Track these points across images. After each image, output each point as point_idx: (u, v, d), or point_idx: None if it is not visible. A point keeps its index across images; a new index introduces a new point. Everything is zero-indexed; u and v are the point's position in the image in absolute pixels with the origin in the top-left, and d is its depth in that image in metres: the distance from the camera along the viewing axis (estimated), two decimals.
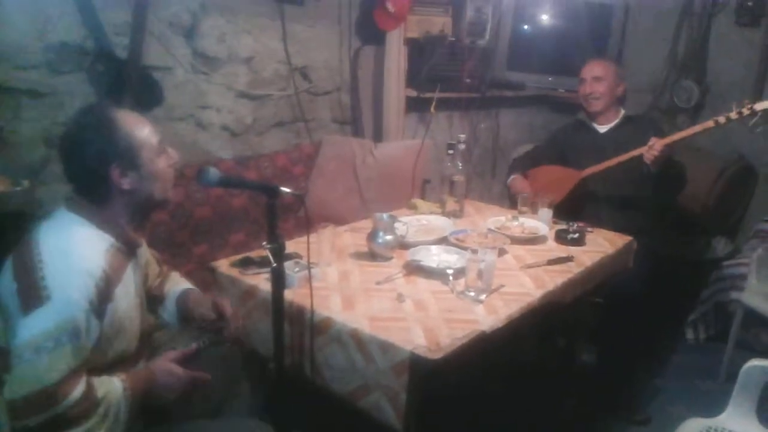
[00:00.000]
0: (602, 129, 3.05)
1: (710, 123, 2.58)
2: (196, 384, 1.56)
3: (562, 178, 2.99)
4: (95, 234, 1.46)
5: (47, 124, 2.29)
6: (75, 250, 1.40)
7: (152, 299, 1.82)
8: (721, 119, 2.54)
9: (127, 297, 1.52)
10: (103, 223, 1.47)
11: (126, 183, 1.48)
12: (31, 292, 1.33)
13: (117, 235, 1.49)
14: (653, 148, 2.64)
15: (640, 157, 2.69)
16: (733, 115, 2.50)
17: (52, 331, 1.31)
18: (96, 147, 1.44)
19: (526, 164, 3.22)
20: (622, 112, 3.06)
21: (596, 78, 2.98)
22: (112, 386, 1.41)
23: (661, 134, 2.74)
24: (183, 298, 1.82)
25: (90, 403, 1.35)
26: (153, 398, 1.50)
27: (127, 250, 1.54)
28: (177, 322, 1.82)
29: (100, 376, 1.42)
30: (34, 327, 1.31)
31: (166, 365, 1.54)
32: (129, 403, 1.42)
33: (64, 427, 1.32)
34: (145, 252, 1.74)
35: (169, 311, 1.83)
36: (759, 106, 2.45)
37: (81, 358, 1.35)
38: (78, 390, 1.33)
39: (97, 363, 1.43)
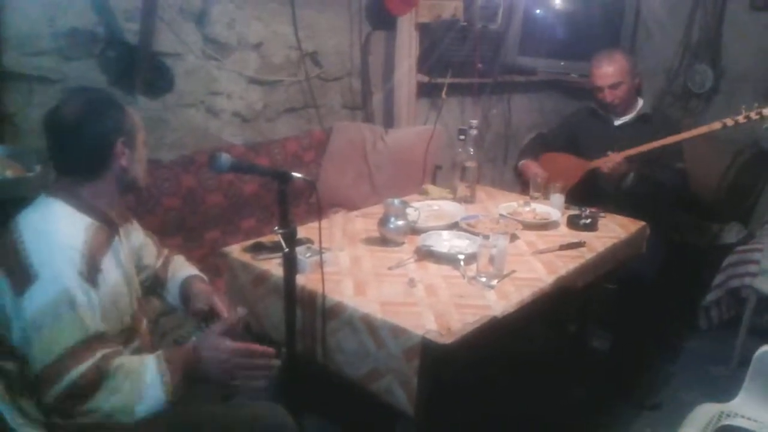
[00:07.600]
0: (617, 122, 2.97)
1: (717, 125, 2.59)
2: (252, 354, 1.45)
3: (572, 167, 2.96)
4: (74, 214, 1.48)
5: None
6: (54, 227, 1.42)
7: (155, 281, 1.84)
8: (729, 122, 2.56)
9: (115, 270, 1.53)
10: (82, 205, 1.49)
11: (124, 159, 1.52)
12: (19, 274, 1.35)
13: (96, 216, 1.51)
14: (610, 160, 2.66)
15: (651, 153, 2.67)
16: (741, 118, 2.53)
17: (48, 306, 1.33)
18: (108, 121, 1.50)
19: (537, 150, 3.18)
20: (640, 103, 2.96)
21: (613, 85, 2.83)
22: (137, 359, 1.42)
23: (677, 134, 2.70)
24: (186, 285, 1.82)
25: (99, 374, 1.34)
26: (198, 373, 1.43)
27: (108, 228, 1.55)
28: (181, 306, 1.83)
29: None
30: (30, 306, 1.33)
31: (211, 338, 1.47)
32: (165, 375, 1.38)
33: (80, 398, 1.33)
34: (138, 235, 1.77)
35: (172, 295, 1.84)
36: None
37: (86, 329, 1.36)
38: (89, 361, 1.34)
39: None
